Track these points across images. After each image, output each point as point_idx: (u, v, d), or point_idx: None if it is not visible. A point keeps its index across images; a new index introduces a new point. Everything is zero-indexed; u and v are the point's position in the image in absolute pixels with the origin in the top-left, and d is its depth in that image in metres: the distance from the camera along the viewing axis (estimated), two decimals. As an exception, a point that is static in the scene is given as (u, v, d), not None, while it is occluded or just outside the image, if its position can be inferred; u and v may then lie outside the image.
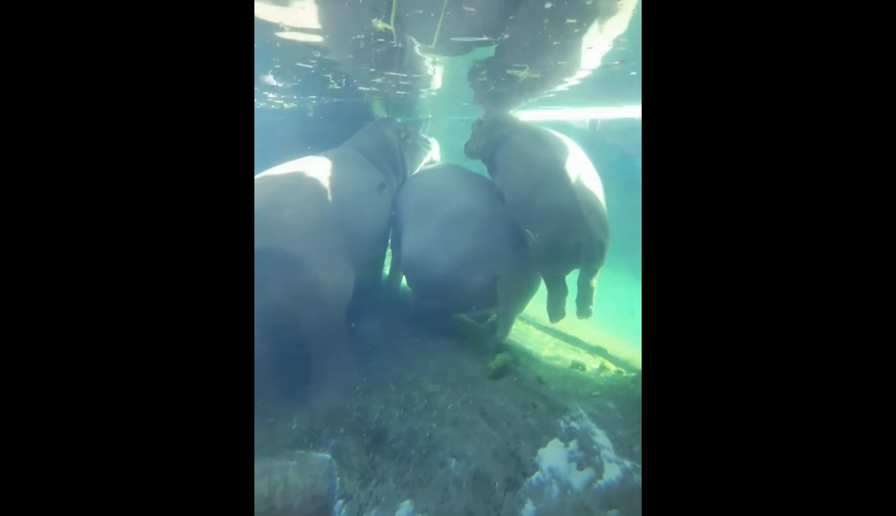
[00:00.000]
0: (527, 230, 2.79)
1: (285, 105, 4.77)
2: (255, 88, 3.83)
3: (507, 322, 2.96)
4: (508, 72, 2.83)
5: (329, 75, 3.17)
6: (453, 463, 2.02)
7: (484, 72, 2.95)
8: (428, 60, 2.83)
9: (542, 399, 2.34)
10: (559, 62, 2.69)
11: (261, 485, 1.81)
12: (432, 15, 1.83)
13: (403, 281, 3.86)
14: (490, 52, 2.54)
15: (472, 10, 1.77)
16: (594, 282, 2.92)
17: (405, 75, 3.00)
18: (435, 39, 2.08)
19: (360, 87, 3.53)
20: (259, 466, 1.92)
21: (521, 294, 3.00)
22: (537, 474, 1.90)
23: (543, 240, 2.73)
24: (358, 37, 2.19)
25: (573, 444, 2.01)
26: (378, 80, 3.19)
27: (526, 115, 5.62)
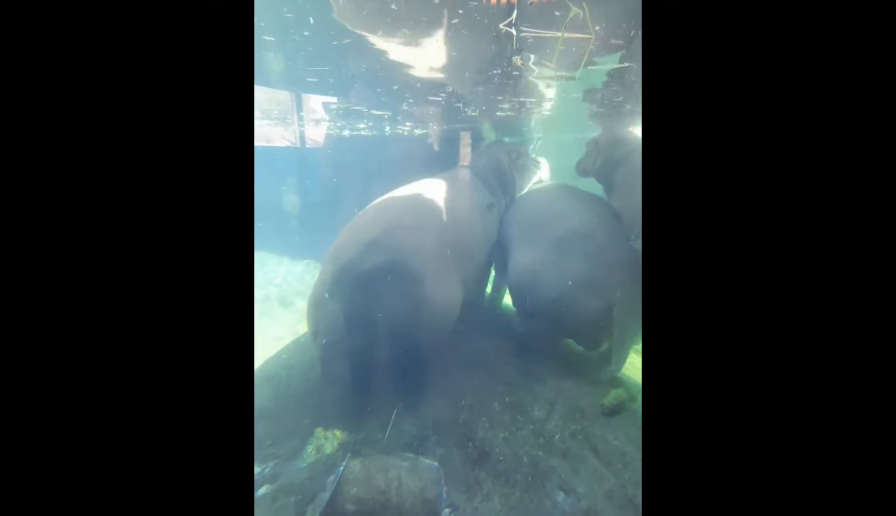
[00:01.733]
0: None
1: (416, 132, 5.28)
2: (397, 117, 4.33)
3: (623, 353, 2.74)
4: None
5: (460, 104, 3.43)
6: (561, 496, 1.93)
7: (615, 89, 2.86)
8: (544, 84, 2.87)
9: (666, 445, 2.10)
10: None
11: (379, 478, 1.99)
12: (574, 49, 1.87)
13: (506, 299, 3.87)
14: (609, 70, 2.47)
15: (620, 42, 1.77)
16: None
17: (533, 99, 3.09)
18: (579, 72, 2.13)
19: (497, 113, 3.74)
20: (377, 461, 2.11)
21: (640, 324, 2.75)
22: (660, 530, 1.70)
23: None
24: (494, 71, 2.34)
25: (707, 505, 1.75)
26: (506, 106, 3.35)
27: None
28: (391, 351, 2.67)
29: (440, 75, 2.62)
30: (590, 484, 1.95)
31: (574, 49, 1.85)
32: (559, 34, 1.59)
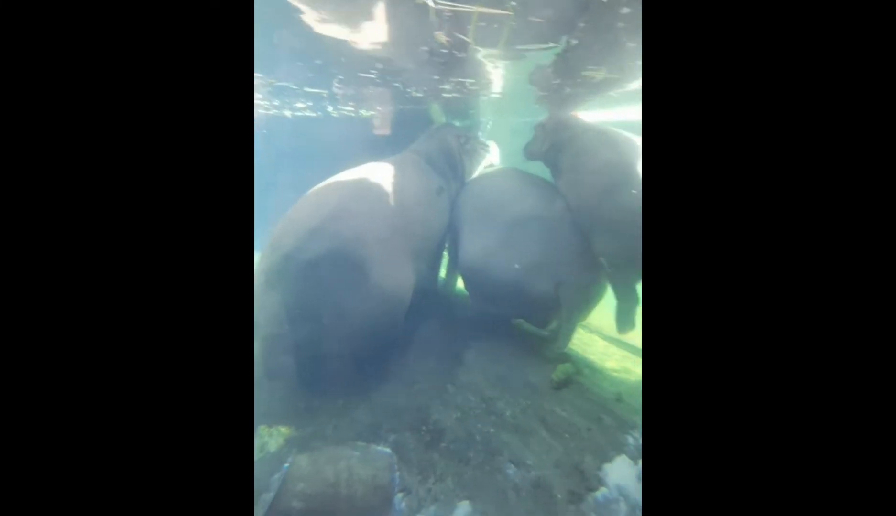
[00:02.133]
0: (601, 259, 2.70)
1: (363, 113, 5.04)
2: (336, 96, 4.09)
3: (570, 330, 2.85)
4: (583, 73, 2.75)
5: (399, 84, 3.30)
6: (512, 469, 1.98)
7: (552, 72, 2.90)
8: (490, 65, 2.84)
9: (609, 413, 2.22)
10: (635, 62, 2.57)
11: (328, 471, 1.92)
12: (496, 26, 1.84)
13: (459, 284, 3.88)
14: (554, 54, 2.50)
15: (541, 20, 1.75)
16: (667, 291, 2.72)
17: (472, 80, 3.04)
18: (500, 45, 2.09)
19: (441, 94, 3.63)
20: (326, 454, 2.03)
21: (585, 301, 2.87)
22: (603, 490, 1.80)
23: (615, 247, 2.61)
24: (422, 49, 2.26)
25: (644, 463, 1.88)
26: (447, 86, 3.27)
27: (589, 115, 5.41)
28: (339, 341, 2.57)
29: (363, 49, 2.49)
30: (539, 456, 2.01)
31: (496, 25, 1.82)
32: (475, 8, 1.55)
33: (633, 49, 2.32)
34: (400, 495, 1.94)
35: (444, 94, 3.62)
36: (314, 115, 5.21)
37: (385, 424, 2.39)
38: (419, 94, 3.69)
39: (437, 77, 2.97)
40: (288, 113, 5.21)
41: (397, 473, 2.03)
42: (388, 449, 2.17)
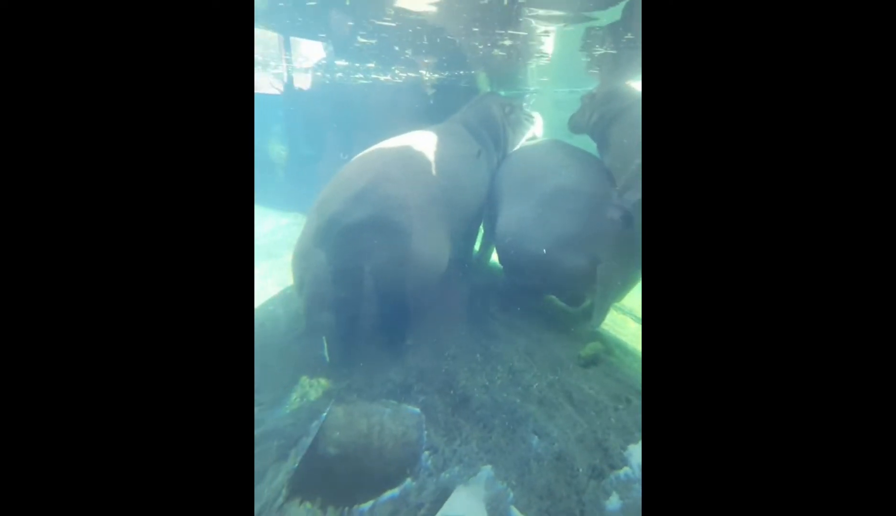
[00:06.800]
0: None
1: (409, 74, 4.91)
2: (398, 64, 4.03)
3: (604, 309, 2.79)
4: (626, 37, 2.55)
5: (447, 49, 3.22)
6: (535, 440, 2.03)
7: (607, 37, 2.70)
8: (540, 27, 2.69)
9: (638, 394, 2.20)
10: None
11: (362, 423, 2.06)
12: None
13: (493, 258, 3.87)
14: (616, 15, 2.31)
15: None
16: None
17: (513, 32, 2.88)
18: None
19: (493, 50, 3.47)
20: (360, 407, 2.18)
21: (623, 281, 2.79)
22: (626, 469, 1.81)
23: None
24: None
25: (670, 448, 1.86)
26: (497, 47, 3.13)
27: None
28: (376, 303, 2.68)
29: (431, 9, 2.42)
30: (563, 429, 2.05)
31: None
32: None
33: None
34: (427, 453, 2.06)
35: (497, 51, 3.45)
36: (366, 81, 5.19)
37: (415, 385, 2.51)
38: (470, 58, 3.57)
39: (483, 43, 2.86)
40: (339, 75, 5.23)
41: (425, 432, 2.15)
42: (417, 409, 2.29)
